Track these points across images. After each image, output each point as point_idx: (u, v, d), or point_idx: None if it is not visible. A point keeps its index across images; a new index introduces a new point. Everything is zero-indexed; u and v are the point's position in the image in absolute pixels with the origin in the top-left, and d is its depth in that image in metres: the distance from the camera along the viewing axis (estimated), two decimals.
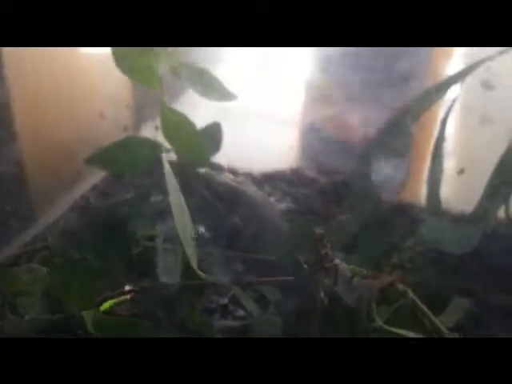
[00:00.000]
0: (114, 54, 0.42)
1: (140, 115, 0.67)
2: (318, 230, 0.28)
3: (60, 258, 0.31)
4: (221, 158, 0.55)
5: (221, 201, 0.39)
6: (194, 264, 0.29)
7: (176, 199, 0.30)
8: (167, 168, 0.31)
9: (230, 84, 0.49)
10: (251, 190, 0.40)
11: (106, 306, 0.35)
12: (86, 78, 0.61)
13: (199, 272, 0.30)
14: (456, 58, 0.59)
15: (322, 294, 0.27)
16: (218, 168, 0.56)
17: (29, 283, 0.32)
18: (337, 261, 0.29)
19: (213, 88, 0.48)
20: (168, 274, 0.30)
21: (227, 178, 0.41)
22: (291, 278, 0.30)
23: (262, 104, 0.65)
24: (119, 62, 0.42)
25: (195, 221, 0.37)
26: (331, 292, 0.28)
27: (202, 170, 0.42)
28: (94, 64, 0.60)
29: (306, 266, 0.28)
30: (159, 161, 0.41)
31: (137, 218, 0.36)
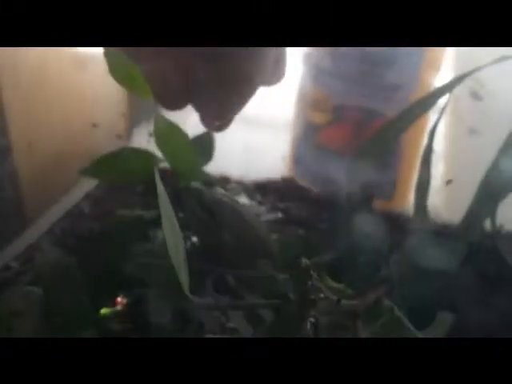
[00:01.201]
0: (107, 61, 0.41)
1: (134, 123, 0.67)
2: (305, 261, 0.29)
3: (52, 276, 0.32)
4: (213, 166, 0.55)
5: (211, 216, 0.39)
6: (186, 289, 0.29)
7: (168, 221, 0.30)
8: (160, 189, 0.31)
9: None
10: (241, 204, 0.41)
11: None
12: (79, 87, 0.61)
13: (192, 297, 0.30)
14: (445, 68, 0.60)
15: (308, 326, 0.28)
16: (210, 178, 0.57)
17: (22, 306, 0.32)
18: (324, 293, 0.29)
19: None
20: (159, 315, 0.30)
21: (219, 192, 0.41)
22: (279, 302, 0.30)
23: (256, 112, 0.66)
24: (113, 70, 0.42)
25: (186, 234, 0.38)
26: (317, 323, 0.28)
27: (194, 184, 0.42)
28: (88, 72, 0.61)
29: (291, 296, 0.29)
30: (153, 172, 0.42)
31: (129, 235, 0.36)
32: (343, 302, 0.30)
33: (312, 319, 0.28)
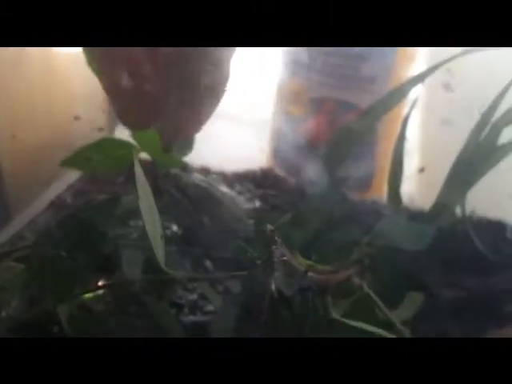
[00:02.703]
0: (85, 54, 0.42)
1: (115, 117, 0.68)
2: (270, 226, 0.30)
3: (36, 256, 0.33)
4: (193, 157, 0.57)
5: (189, 200, 0.41)
6: (162, 263, 0.31)
7: (146, 202, 0.31)
8: (138, 172, 0.32)
9: None
10: (219, 189, 0.42)
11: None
12: (62, 80, 0.62)
13: (166, 269, 0.31)
14: (418, 59, 0.61)
15: (273, 288, 0.29)
16: (189, 168, 0.58)
17: (7, 280, 0.33)
18: (287, 256, 0.30)
19: None
20: (131, 269, 0.32)
21: (196, 178, 0.42)
22: (245, 272, 0.32)
23: (235, 105, 0.67)
24: (90, 62, 0.43)
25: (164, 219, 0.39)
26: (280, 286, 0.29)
27: (173, 171, 0.44)
28: (69, 65, 0.62)
29: (258, 262, 0.30)
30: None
31: (109, 218, 0.37)
32: (311, 274, 0.31)
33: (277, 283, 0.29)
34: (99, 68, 0.37)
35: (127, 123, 0.39)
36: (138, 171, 0.30)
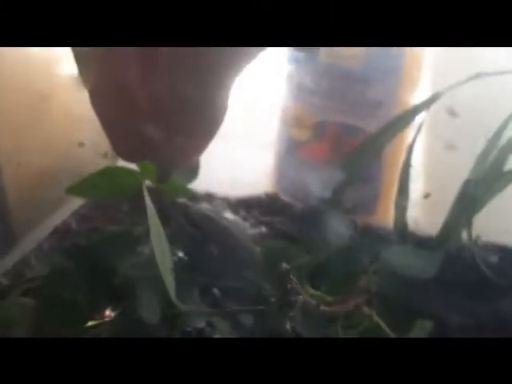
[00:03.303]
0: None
1: None
2: (285, 265, 0.30)
3: (47, 293, 0.33)
4: (197, 182, 0.56)
5: (197, 230, 0.41)
6: (172, 295, 0.31)
7: (156, 233, 0.31)
8: (149, 206, 0.32)
9: None
10: (226, 218, 0.42)
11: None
12: (63, 104, 0.62)
13: (178, 303, 0.31)
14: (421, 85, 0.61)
15: (288, 327, 0.29)
16: (194, 195, 0.58)
17: (18, 317, 0.33)
18: (301, 297, 0.30)
19: None
20: (148, 313, 0.32)
21: (204, 207, 0.42)
22: (261, 307, 0.31)
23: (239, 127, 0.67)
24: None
25: (172, 248, 0.39)
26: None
27: (180, 200, 0.44)
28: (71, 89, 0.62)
29: (272, 300, 0.30)
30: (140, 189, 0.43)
31: (121, 250, 0.37)
32: (323, 307, 0.31)
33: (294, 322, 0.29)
34: (91, 100, 0.36)
35: (122, 156, 0.38)
36: (149, 205, 0.30)
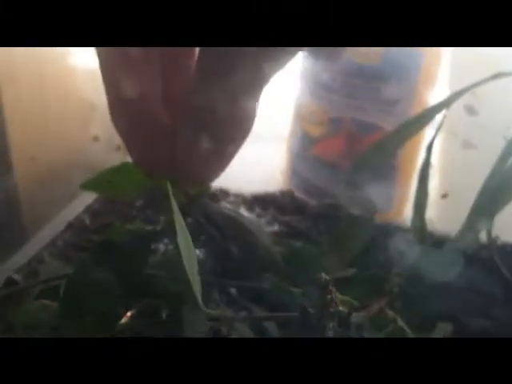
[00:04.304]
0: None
1: None
2: (325, 276, 0.29)
3: (71, 291, 0.32)
4: None
5: (217, 229, 0.40)
6: (199, 301, 0.30)
7: (183, 236, 0.31)
8: (175, 207, 0.31)
9: None
10: (246, 217, 0.42)
11: None
12: (77, 98, 0.62)
13: (206, 309, 0.31)
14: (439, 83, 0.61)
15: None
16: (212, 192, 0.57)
17: (40, 321, 0.33)
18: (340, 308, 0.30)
19: None
20: (193, 332, 0.31)
21: (223, 206, 0.42)
22: (295, 314, 0.31)
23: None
24: None
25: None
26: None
27: (199, 198, 0.43)
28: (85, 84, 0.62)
29: (311, 310, 0.29)
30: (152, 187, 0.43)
31: (146, 251, 0.37)
32: (354, 315, 0.30)
33: (331, 332, 0.28)
34: (112, 119, 0.35)
35: (144, 172, 0.37)
36: (176, 209, 0.30)
